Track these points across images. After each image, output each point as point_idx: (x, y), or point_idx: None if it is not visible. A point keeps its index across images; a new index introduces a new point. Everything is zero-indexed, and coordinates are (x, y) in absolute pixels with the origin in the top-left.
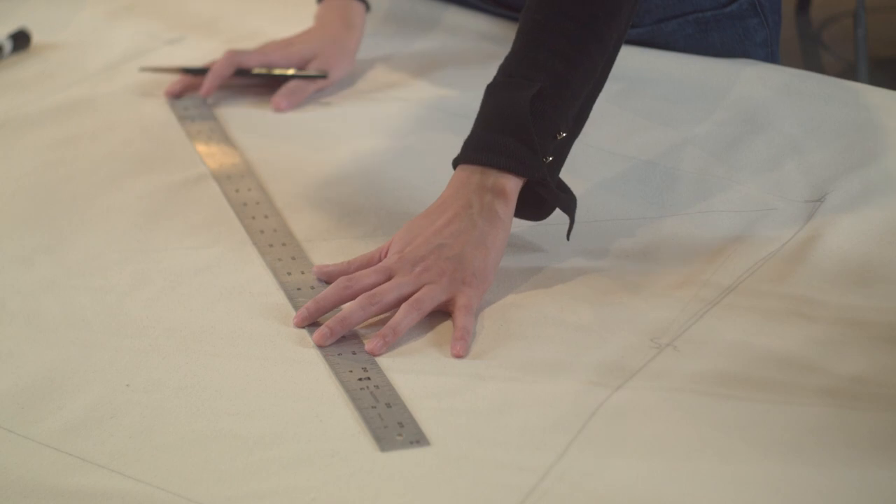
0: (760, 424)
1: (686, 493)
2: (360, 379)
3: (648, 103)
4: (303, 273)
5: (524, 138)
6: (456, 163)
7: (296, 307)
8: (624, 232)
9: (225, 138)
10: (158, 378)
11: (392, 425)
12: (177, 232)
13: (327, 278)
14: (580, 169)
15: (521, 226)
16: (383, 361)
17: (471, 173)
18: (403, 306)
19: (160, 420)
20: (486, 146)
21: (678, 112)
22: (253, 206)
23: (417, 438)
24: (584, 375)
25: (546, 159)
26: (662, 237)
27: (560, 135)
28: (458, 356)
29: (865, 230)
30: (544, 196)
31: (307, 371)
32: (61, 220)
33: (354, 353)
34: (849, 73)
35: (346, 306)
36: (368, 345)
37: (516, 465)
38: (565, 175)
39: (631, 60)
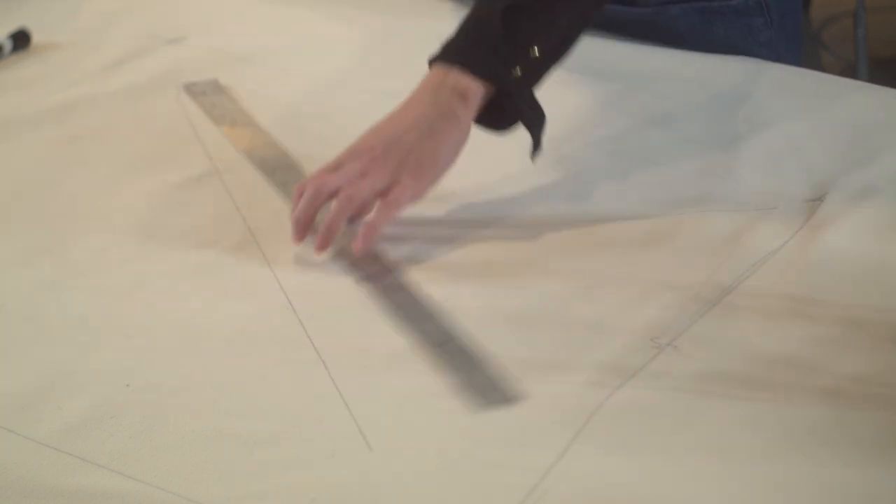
0: (760, 424)
1: (686, 493)
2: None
3: (648, 102)
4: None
5: (492, 44)
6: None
7: (294, 307)
8: (623, 231)
9: (250, 121)
10: (158, 378)
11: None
12: (177, 231)
13: (298, 194)
14: (579, 168)
15: (523, 226)
16: (383, 361)
17: (436, 73)
18: (335, 201)
19: (160, 420)
20: (453, 48)
21: (678, 111)
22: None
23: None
24: (584, 375)
25: (514, 70)
26: (662, 236)
27: (532, 50)
28: (357, 252)
29: (866, 229)
30: (507, 108)
31: (307, 371)
32: (61, 220)
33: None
34: (849, 73)
35: (329, 214)
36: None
37: (516, 465)
38: (564, 173)
39: (630, 58)
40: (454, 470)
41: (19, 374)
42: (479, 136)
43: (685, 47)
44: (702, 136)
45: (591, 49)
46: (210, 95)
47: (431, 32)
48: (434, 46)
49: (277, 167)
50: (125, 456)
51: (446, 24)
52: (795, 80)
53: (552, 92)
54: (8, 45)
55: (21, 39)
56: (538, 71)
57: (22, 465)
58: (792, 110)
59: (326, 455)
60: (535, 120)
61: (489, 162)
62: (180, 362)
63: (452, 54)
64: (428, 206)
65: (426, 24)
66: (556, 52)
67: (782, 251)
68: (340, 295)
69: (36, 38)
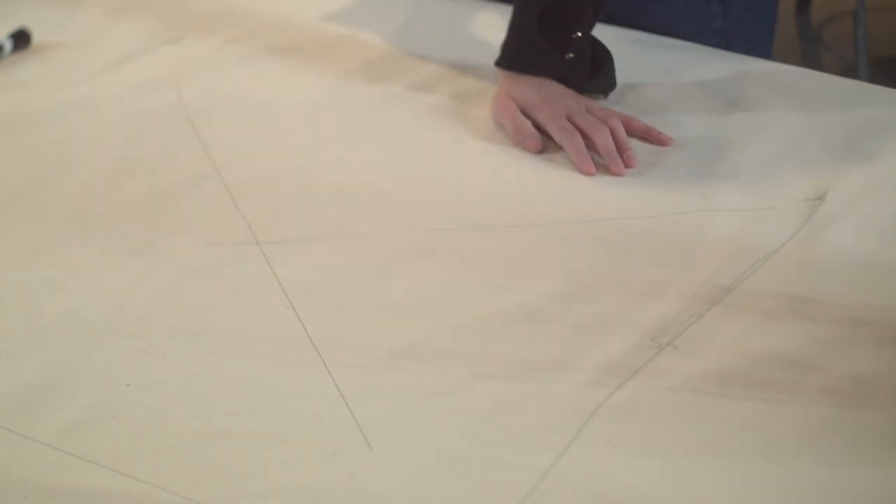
0: (760, 424)
1: (686, 493)
2: None
3: (648, 102)
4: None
5: (536, 49)
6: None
7: (294, 307)
8: (623, 230)
9: None
10: (158, 378)
11: None
12: (177, 231)
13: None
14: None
15: (522, 226)
16: (383, 361)
17: (506, 74)
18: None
19: (160, 420)
20: (509, 55)
21: (677, 110)
22: None
23: None
24: (584, 375)
25: (566, 57)
26: (662, 236)
27: (577, 34)
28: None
29: (866, 228)
30: (575, 83)
31: (307, 371)
32: (61, 220)
33: None
34: (849, 72)
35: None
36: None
37: (516, 465)
38: (564, 173)
39: (630, 57)
40: (454, 470)
41: (19, 374)
42: (479, 137)
43: (631, 24)
44: (702, 135)
45: None
46: None
47: (432, 33)
48: (434, 48)
49: None
50: (125, 456)
51: (445, 23)
52: (795, 79)
53: None
54: (8, 45)
55: (21, 39)
56: (586, 45)
57: (22, 465)
58: (792, 110)
59: (326, 455)
60: (604, 84)
61: (488, 162)
62: (180, 362)
63: (510, 61)
64: (428, 206)
65: (426, 24)
66: (595, 17)
67: (782, 251)
68: (340, 295)
69: (36, 38)
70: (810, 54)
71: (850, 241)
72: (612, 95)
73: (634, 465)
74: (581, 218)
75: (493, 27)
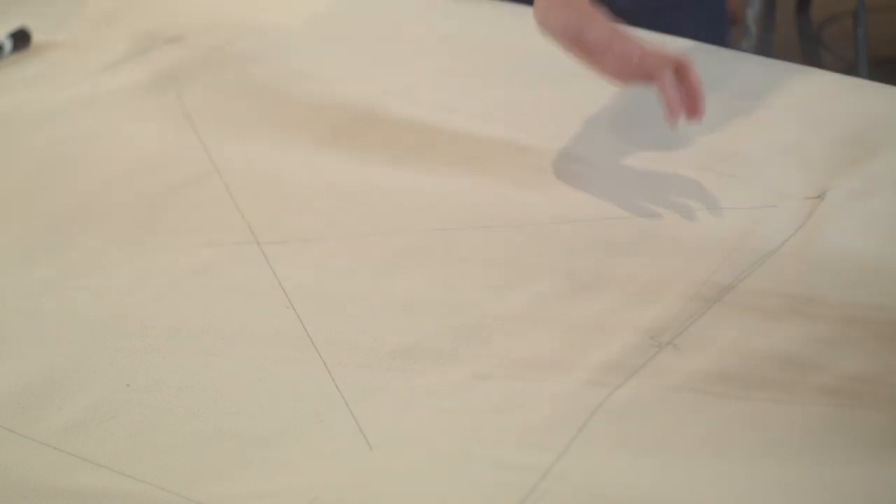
0: (760, 424)
1: (686, 493)
2: None
3: (648, 100)
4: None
5: None
6: None
7: (294, 307)
8: (623, 230)
9: None
10: (158, 378)
11: None
12: (177, 231)
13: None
14: (579, 167)
15: (522, 226)
16: (383, 361)
17: None
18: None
19: (160, 420)
20: None
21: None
22: None
23: None
24: (584, 375)
25: None
26: (662, 235)
27: None
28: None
29: (866, 227)
30: None
31: (307, 371)
32: (61, 220)
33: None
34: (849, 72)
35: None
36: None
37: (516, 465)
38: (563, 173)
39: None
40: (454, 470)
41: (19, 374)
42: (480, 137)
43: None
44: (702, 134)
45: None
46: None
47: (432, 31)
48: (435, 47)
49: None
50: (125, 456)
51: (446, 22)
52: (795, 77)
53: (552, 92)
54: (8, 45)
55: (21, 39)
56: None
57: (22, 465)
58: (792, 108)
59: (326, 455)
60: None
61: (489, 161)
62: (180, 362)
63: None
64: (428, 206)
65: (427, 23)
66: None
67: (782, 250)
68: (340, 295)
69: (36, 37)
70: (810, 54)
71: (850, 239)
72: (619, 91)
73: (634, 465)
74: (581, 218)
75: (496, 27)
